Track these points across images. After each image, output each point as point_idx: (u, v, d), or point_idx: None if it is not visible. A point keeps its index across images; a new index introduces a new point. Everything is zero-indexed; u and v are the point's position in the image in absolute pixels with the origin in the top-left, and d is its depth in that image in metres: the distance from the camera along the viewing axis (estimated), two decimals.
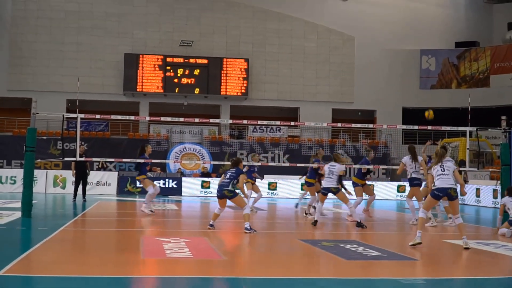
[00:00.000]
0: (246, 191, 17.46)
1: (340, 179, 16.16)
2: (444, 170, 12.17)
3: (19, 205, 17.56)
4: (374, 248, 11.63)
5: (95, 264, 9.59)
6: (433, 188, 12.18)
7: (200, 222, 17.18)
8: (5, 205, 20.69)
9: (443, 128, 20.93)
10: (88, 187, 29.57)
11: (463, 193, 13.17)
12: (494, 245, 12.81)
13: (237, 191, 14.27)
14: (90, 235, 13.33)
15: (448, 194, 12.07)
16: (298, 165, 22.60)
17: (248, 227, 14.00)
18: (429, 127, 21.00)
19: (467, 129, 20.49)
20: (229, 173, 14.40)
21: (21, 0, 41.25)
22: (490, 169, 33.04)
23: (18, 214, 16.77)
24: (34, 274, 8.77)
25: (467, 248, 11.73)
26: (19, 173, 29.74)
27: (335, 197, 16.38)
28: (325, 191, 16.10)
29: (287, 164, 24.28)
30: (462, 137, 33.80)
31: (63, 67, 41.15)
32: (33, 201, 17.15)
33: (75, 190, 24.65)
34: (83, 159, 22.05)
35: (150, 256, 10.40)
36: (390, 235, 14.75)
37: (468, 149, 20.95)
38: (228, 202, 14.38)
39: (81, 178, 24.49)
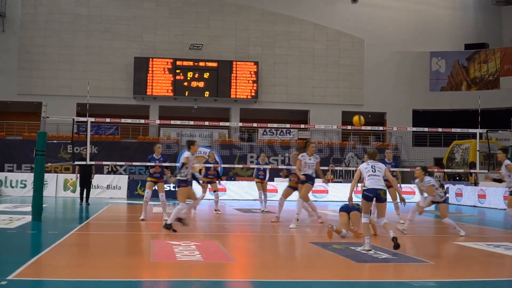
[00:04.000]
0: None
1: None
2: (375, 171, 11.95)
3: (29, 209, 17.60)
4: (385, 251, 11.59)
5: (105, 268, 9.60)
6: (363, 188, 11.93)
7: (211, 225, 17.18)
8: (15, 209, 20.75)
9: (453, 130, 20.88)
10: (98, 190, 29.71)
11: (400, 194, 13.15)
12: (505, 246, 12.75)
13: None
14: (100, 238, 13.35)
15: (378, 195, 11.77)
16: None
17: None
18: (440, 129, 20.93)
19: (477, 131, 20.45)
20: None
21: (30, 3, 41.37)
22: (500, 171, 32.87)
23: (29, 218, 16.81)
24: (44, 278, 8.78)
25: (395, 241, 11.39)
26: (29, 177, 29.83)
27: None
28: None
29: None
30: (472, 139, 33.69)
31: (72, 71, 41.23)
32: (43, 205, 17.19)
33: (81, 194, 24.87)
34: (86, 162, 22.02)
35: (160, 260, 10.39)
36: (401, 238, 14.70)
37: (478, 151, 20.91)
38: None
39: (86, 181, 24.64)
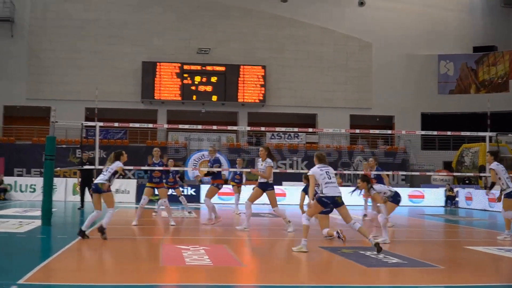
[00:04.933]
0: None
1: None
2: (330, 178, 12.05)
3: (38, 213, 17.63)
4: (395, 255, 11.55)
5: (114, 272, 9.60)
6: (321, 195, 11.98)
7: (219, 230, 17.15)
8: (24, 214, 20.78)
9: (462, 133, 20.84)
10: None
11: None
12: None
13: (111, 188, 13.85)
14: (110, 243, 13.34)
15: (335, 202, 11.94)
16: None
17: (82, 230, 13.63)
18: (449, 133, 20.87)
19: (487, 134, 20.40)
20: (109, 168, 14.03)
21: (39, 8, 41.48)
22: (511, 174, 32.76)
23: (38, 222, 16.82)
24: (54, 283, 8.78)
25: (378, 246, 11.49)
26: (38, 181, 29.87)
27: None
28: None
29: (306, 171, 24.21)
30: (482, 142, 33.62)
31: (81, 76, 41.29)
32: (53, 209, 17.21)
33: (81, 197, 24.69)
34: (88, 166, 21.97)
35: (169, 264, 10.38)
36: (411, 242, 14.64)
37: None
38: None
39: (86, 185, 24.49)
